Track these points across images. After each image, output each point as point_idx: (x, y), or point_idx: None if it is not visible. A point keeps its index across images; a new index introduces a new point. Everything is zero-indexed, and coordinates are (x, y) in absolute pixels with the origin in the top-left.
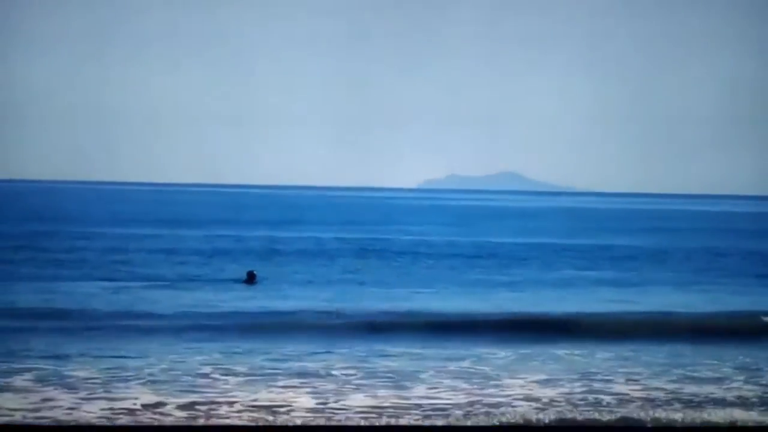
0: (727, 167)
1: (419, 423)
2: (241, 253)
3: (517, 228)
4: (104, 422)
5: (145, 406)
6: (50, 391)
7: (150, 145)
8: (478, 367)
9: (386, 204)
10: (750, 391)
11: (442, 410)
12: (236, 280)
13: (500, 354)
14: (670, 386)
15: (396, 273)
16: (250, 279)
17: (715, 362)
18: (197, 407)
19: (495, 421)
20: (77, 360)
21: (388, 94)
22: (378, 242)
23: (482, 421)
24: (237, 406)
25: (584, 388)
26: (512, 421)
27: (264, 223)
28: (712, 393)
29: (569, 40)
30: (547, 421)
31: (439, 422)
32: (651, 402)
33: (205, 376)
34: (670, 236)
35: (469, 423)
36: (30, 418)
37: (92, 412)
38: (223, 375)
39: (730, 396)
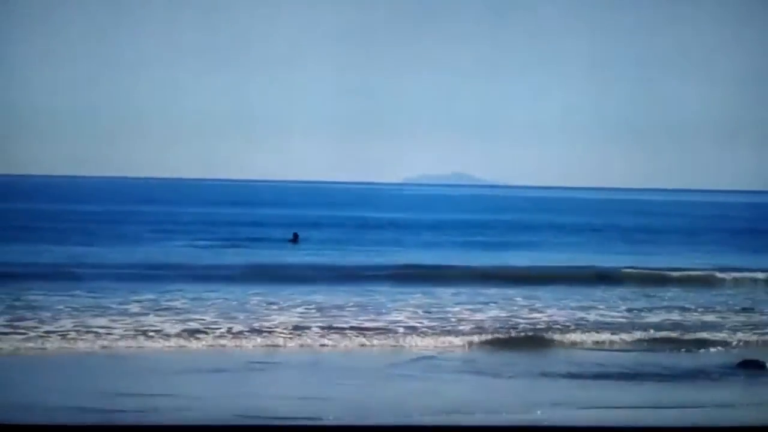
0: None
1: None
2: (283, 225)
3: (463, 209)
4: (185, 336)
5: (217, 325)
6: (151, 316)
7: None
8: (431, 300)
9: (376, 193)
10: (615, 317)
11: (412, 328)
12: (284, 240)
13: (448, 291)
14: (566, 313)
15: (382, 238)
16: (295, 239)
17: (588, 298)
18: (249, 326)
19: (452, 341)
20: (172, 294)
21: (383, 102)
22: (371, 219)
23: (447, 344)
24: (274, 324)
25: (505, 314)
26: (466, 340)
27: (293, 205)
28: (586, 318)
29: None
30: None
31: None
32: (553, 322)
33: (256, 305)
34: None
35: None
36: (138, 334)
37: (177, 328)
38: (268, 305)
39: (604, 320)
